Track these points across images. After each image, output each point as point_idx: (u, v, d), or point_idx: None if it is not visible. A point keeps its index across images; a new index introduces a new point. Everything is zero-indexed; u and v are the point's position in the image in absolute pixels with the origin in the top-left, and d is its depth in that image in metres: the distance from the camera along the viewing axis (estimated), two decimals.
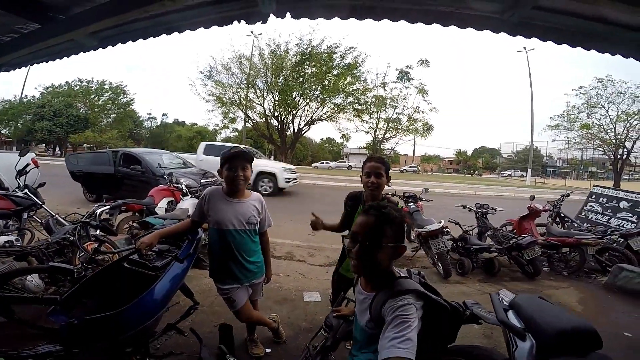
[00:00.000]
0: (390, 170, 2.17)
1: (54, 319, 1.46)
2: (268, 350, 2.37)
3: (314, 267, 4.45)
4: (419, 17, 1.66)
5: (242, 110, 24.72)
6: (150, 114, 51.70)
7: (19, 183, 4.54)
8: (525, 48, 28.18)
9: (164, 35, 2.24)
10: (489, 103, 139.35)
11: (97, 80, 37.61)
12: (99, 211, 3.76)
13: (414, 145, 32.09)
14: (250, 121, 26.05)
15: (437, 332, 1.20)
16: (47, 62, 2.86)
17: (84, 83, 37.41)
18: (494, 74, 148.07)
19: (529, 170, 29.28)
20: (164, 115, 53.56)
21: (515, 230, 5.38)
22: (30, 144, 32.22)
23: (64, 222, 4.16)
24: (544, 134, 38.46)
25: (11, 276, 2.38)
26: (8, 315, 2.05)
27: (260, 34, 23.49)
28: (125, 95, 38.93)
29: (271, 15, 1.84)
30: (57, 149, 36.32)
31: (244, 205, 2.08)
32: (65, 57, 2.73)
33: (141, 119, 47.02)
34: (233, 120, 26.90)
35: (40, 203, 4.24)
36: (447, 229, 4.55)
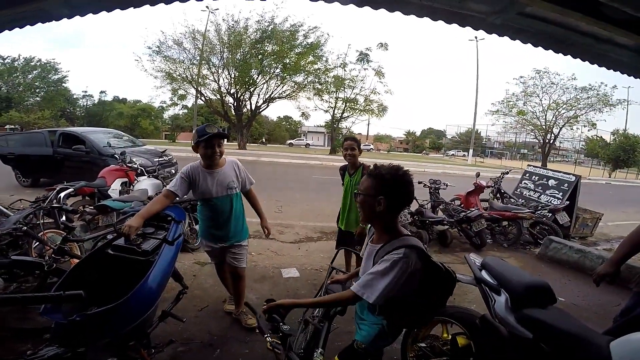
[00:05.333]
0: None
1: (49, 317, 1.35)
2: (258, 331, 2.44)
3: (285, 244, 4.56)
4: (414, 10, 1.75)
5: (194, 87, 23.35)
6: (86, 91, 46.85)
7: None
8: (476, 37, 28.71)
9: (147, 6, 2.03)
10: (437, 87, 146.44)
11: (24, 58, 34.12)
12: (63, 194, 3.40)
13: (368, 125, 33.28)
14: (202, 98, 24.76)
15: (432, 293, 1.35)
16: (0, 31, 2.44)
17: (7, 61, 33.72)
18: (444, 59, 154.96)
19: (471, 151, 31.89)
20: (102, 92, 48.42)
21: (462, 205, 5.81)
22: None
23: (6, 211, 3.73)
24: (485, 118, 41.96)
25: None
26: None
27: (217, 9, 22.12)
28: (57, 73, 36.05)
29: None
30: None
31: (222, 174, 2.30)
32: (28, 26, 2.37)
33: (75, 97, 42.71)
34: (183, 97, 25.46)
35: None
36: None
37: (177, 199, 2.23)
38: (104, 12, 2.17)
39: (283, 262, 3.82)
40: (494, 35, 2.21)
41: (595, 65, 2.37)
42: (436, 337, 1.87)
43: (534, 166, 7.40)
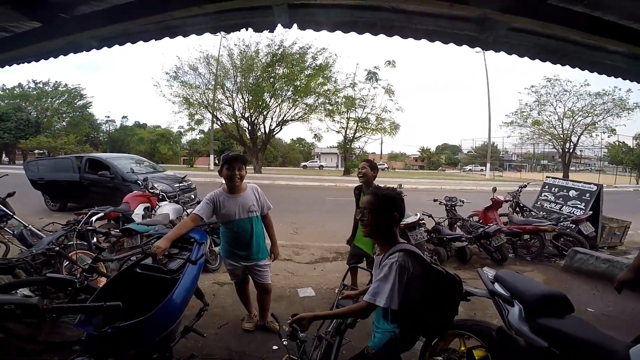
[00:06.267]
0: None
1: (82, 329, 1.45)
2: (275, 347, 2.51)
3: (301, 264, 4.59)
4: (411, 34, 1.88)
5: (210, 112, 24.19)
6: (108, 116, 49.29)
7: None
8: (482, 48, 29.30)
9: (167, 38, 2.25)
10: (449, 101, 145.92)
11: (52, 82, 35.95)
12: (94, 218, 3.62)
13: (382, 144, 33.57)
14: (218, 122, 25.57)
15: (439, 301, 1.43)
16: (36, 61, 2.75)
17: (39, 84, 35.62)
18: (454, 72, 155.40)
19: (488, 165, 31.24)
20: (123, 117, 51.03)
21: (481, 220, 5.76)
22: None
23: (38, 232, 3.98)
24: (500, 130, 41.33)
25: (5, 290, 2.25)
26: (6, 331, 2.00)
27: (229, 33, 23.15)
28: (82, 98, 37.75)
29: (278, 25, 1.97)
30: (4, 155, 33.44)
31: (243, 198, 2.49)
32: (61, 56, 2.69)
33: (98, 122, 44.99)
34: (199, 122, 26.31)
35: (11, 214, 4.03)
36: (423, 221, 4.82)
37: (201, 222, 2.40)
38: (128, 44, 2.42)
39: (299, 282, 3.85)
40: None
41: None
42: (453, 351, 1.86)
43: (553, 177, 7.23)
